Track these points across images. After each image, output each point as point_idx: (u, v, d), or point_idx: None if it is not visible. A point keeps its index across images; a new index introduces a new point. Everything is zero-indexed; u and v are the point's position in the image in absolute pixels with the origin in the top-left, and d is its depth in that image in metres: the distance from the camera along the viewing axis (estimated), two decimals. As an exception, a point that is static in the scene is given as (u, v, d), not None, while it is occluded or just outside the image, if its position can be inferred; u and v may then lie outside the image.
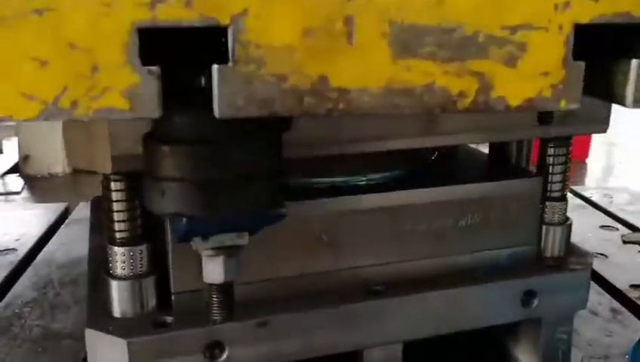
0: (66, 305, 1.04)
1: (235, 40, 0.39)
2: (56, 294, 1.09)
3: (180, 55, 0.41)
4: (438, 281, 0.75)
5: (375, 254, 0.74)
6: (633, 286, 1.14)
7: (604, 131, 0.79)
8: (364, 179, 0.76)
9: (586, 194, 1.70)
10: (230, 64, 0.39)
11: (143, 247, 0.66)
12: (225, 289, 0.58)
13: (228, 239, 0.56)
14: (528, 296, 0.77)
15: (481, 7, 0.41)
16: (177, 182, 0.50)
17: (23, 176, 2.91)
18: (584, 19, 0.42)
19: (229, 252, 0.56)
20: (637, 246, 1.34)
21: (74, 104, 0.38)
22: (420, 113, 0.42)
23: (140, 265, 0.66)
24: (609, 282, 1.15)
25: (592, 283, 0.93)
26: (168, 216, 0.53)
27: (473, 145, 0.95)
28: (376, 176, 0.77)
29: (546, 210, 0.81)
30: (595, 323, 1.00)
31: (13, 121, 0.38)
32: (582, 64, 0.44)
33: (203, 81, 0.44)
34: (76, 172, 5.71)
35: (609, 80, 0.46)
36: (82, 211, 1.51)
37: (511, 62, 0.42)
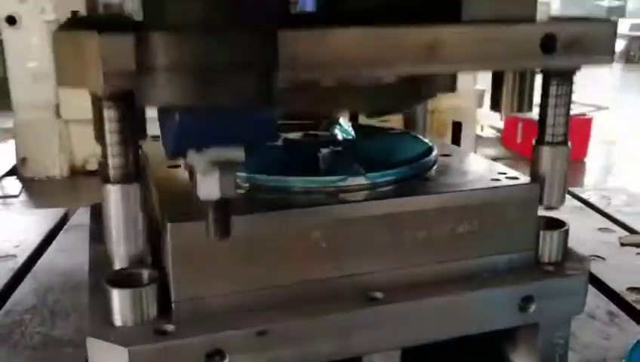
0: (67, 312, 1.05)
1: None
2: (57, 301, 1.09)
3: None
4: (437, 288, 0.75)
5: (374, 261, 0.74)
6: (630, 288, 1.15)
7: (610, 62, 0.75)
8: (366, 183, 0.77)
9: (584, 195, 1.70)
10: None
11: (136, 187, 0.63)
12: (221, 207, 0.58)
13: (223, 153, 0.55)
14: (526, 301, 0.78)
15: None
16: (170, 72, 0.49)
17: (21, 178, 2.91)
18: None
19: (224, 167, 0.55)
20: (634, 248, 1.35)
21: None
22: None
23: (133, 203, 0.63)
24: (606, 285, 1.15)
25: (589, 286, 0.94)
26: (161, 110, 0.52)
27: (471, 152, 0.95)
28: (377, 179, 0.78)
29: (547, 155, 0.79)
30: (593, 327, 1.01)
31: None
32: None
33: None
34: (74, 174, 5.65)
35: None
36: (81, 217, 1.52)
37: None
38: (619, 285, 1.16)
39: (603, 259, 1.28)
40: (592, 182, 5.76)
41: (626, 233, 1.43)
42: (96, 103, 0.65)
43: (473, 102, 6.01)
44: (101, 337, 0.65)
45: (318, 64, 0.61)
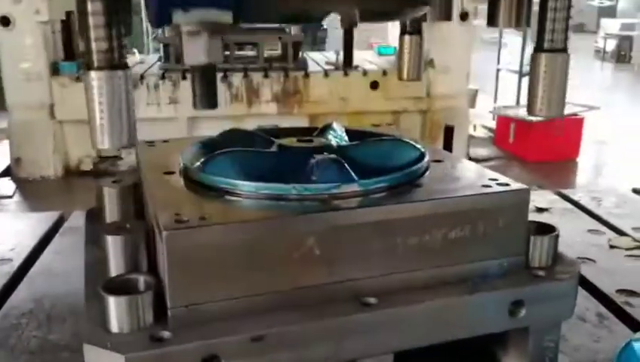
0: (63, 317, 1.06)
1: None
2: (53, 305, 1.10)
3: None
4: (429, 293, 0.77)
5: (367, 267, 0.75)
6: (620, 291, 1.16)
7: None
8: (360, 190, 0.78)
9: (575, 197, 1.72)
10: None
11: (124, 74, 0.60)
12: (207, 73, 0.56)
13: (209, 14, 0.53)
14: (516, 306, 0.79)
15: None
16: None
17: (15, 179, 2.91)
18: None
19: (211, 29, 0.54)
20: (624, 250, 1.37)
21: None
22: None
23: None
24: (596, 287, 1.17)
25: (579, 288, 0.95)
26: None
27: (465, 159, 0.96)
28: (370, 186, 0.79)
29: (545, 62, 0.76)
30: (583, 329, 1.02)
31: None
32: None
33: None
34: (68, 174, 5.68)
35: None
36: (77, 219, 1.52)
37: None
38: (608, 287, 1.17)
39: (593, 261, 1.30)
40: (584, 180, 5.80)
41: (616, 235, 1.45)
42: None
43: (466, 102, 6.05)
44: (98, 344, 0.66)
45: None
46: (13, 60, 5.40)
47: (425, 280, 0.78)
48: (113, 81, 0.61)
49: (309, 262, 0.72)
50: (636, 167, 5.84)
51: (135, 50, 7.38)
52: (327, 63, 6.06)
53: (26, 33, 5.36)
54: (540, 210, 1.62)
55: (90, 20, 0.58)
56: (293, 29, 5.94)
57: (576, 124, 6.03)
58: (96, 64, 0.60)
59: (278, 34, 6.02)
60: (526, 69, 7.30)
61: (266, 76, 5.66)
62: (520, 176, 5.64)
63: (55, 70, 5.56)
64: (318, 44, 10.61)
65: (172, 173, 0.87)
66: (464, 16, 5.51)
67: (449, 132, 4.26)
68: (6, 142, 5.46)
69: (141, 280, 0.71)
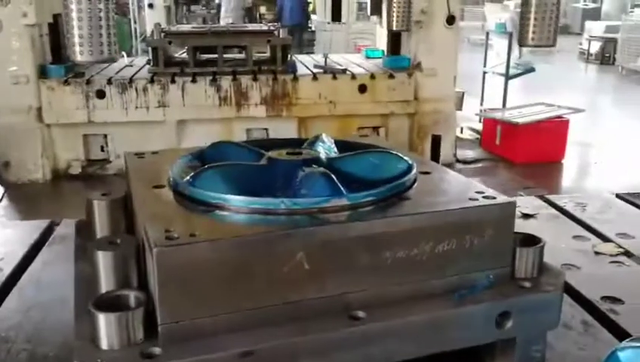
0: (53, 328, 1.05)
1: None
2: (43, 317, 1.10)
3: None
4: (417, 306, 0.78)
5: (355, 280, 0.76)
6: (604, 297, 1.18)
7: None
8: (349, 204, 0.79)
9: (560, 203, 1.74)
10: None
11: None
12: None
13: None
14: (503, 317, 0.81)
15: None
16: None
17: (3, 183, 2.89)
18: None
19: None
20: (608, 256, 1.38)
21: None
22: None
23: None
24: (581, 294, 1.19)
25: (565, 295, 0.96)
26: None
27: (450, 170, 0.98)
28: (359, 200, 0.80)
29: None
30: (568, 337, 1.03)
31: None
32: None
33: None
34: (57, 178, 5.64)
35: None
36: (66, 228, 1.52)
37: None
38: (593, 294, 1.19)
39: (578, 267, 1.31)
40: (569, 182, 5.84)
41: (600, 241, 1.47)
42: None
43: (453, 105, 6.08)
44: (88, 361, 0.66)
45: None
46: (0, 63, 5.36)
47: (413, 293, 0.79)
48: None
49: (299, 276, 0.73)
50: (619, 168, 5.91)
51: (124, 53, 7.35)
52: (316, 66, 6.07)
53: (13, 36, 5.33)
54: (525, 216, 1.64)
55: None
56: (282, 32, 5.94)
57: (561, 127, 6.09)
58: None
59: (267, 37, 6.03)
60: (512, 71, 7.35)
61: (254, 79, 5.66)
62: (507, 178, 5.68)
63: (43, 73, 5.53)
64: (304, 46, 10.61)
65: (161, 186, 0.88)
66: (451, 20, 5.54)
67: (436, 141, 4.29)
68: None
69: (131, 296, 0.71)
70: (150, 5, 11.25)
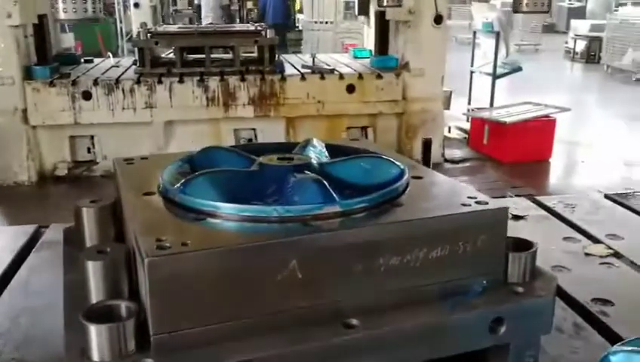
0: (42, 336, 1.04)
1: None
2: (32, 324, 1.08)
3: None
4: (410, 312, 0.77)
5: (349, 288, 0.76)
6: (595, 299, 1.18)
7: None
8: (341, 211, 0.79)
9: (550, 204, 1.75)
10: None
11: None
12: None
13: None
14: (496, 323, 0.80)
15: None
16: None
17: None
18: None
19: None
20: (598, 258, 1.39)
21: None
22: None
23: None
24: (572, 296, 1.19)
25: (556, 298, 0.96)
26: None
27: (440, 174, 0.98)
28: (352, 207, 0.79)
29: None
30: (560, 340, 1.04)
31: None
32: None
33: None
34: (43, 180, 5.59)
35: None
36: (53, 233, 1.50)
37: None
38: (584, 296, 1.19)
39: (568, 269, 1.32)
40: (557, 181, 5.88)
41: (590, 242, 1.48)
42: None
43: (441, 104, 6.10)
44: (79, 373, 0.65)
45: None
46: (-15, 65, 5.30)
47: (406, 300, 0.78)
48: None
49: (292, 285, 0.72)
50: (606, 167, 5.96)
51: (109, 54, 7.29)
52: (304, 66, 6.06)
53: (-2, 37, 5.27)
54: (515, 217, 1.64)
55: None
56: (269, 32, 5.93)
57: (548, 126, 6.12)
58: None
59: (254, 37, 6.01)
60: (500, 71, 7.39)
61: (242, 79, 5.64)
62: (494, 177, 5.70)
63: (28, 74, 5.48)
64: (288, 46, 10.56)
65: (152, 193, 0.87)
66: (438, 19, 5.56)
67: (427, 145, 4.29)
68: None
69: (123, 306, 0.70)
70: (136, 5, 11.17)
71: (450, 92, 6.63)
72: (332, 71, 5.87)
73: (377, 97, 5.76)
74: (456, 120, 7.07)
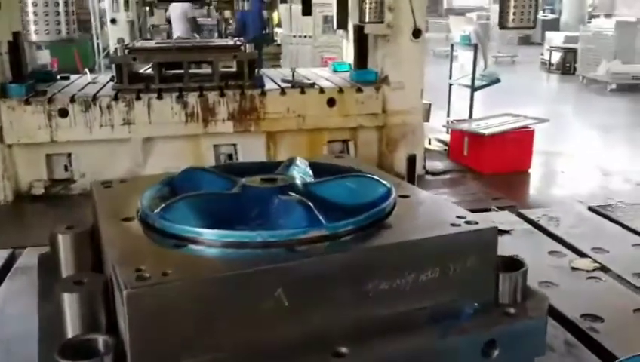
0: (17, 368, 1.00)
1: None
2: (6, 357, 1.04)
3: None
4: (401, 338, 0.75)
5: (337, 314, 0.73)
6: (584, 315, 1.17)
7: None
8: (328, 234, 0.76)
9: (534, 217, 1.74)
10: None
11: None
12: None
13: None
14: (489, 346, 0.78)
15: None
16: None
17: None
18: None
19: None
20: (585, 272, 1.38)
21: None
22: None
23: None
24: (561, 313, 1.18)
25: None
26: None
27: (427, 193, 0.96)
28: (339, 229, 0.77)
29: None
30: (552, 359, 1.02)
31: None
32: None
33: None
34: (19, 199, 5.48)
35: None
36: (29, 258, 1.45)
37: None
38: (573, 312, 1.18)
39: (556, 285, 1.31)
40: (537, 192, 5.93)
41: (576, 256, 1.47)
42: None
43: (421, 117, 6.12)
44: (55, 414, 0.62)
45: None
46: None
47: (397, 325, 0.76)
48: None
49: (279, 313, 0.70)
50: (584, 177, 6.02)
51: (86, 70, 7.22)
52: (284, 81, 6.05)
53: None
54: (501, 232, 1.63)
55: None
56: (248, 47, 5.91)
57: (527, 137, 6.17)
58: None
59: (233, 52, 5.98)
60: (478, 83, 7.45)
61: (221, 95, 5.60)
62: (476, 189, 5.72)
63: (3, 92, 5.38)
64: (264, 60, 10.52)
65: (131, 219, 0.84)
66: (417, 33, 5.59)
67: (412, 161, 4.27)
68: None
69: (100, 341, 0.67)
70: (113, 21, 11.09)
71: (430, 104, 6.65)
72: (312, 85, 5.87)
73: (358, 111, 5.76)
74: (436, 132, 7.11)
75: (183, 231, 0.76)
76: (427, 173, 6.04)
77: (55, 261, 0.90)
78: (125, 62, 5.62)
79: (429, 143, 6.88)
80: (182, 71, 5.70)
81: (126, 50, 5.75)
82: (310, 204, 0.81)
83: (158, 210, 0.82)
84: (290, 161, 1.02)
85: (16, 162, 5.53)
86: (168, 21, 11.81)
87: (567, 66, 13.44)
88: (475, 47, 7.47)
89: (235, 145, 5.73)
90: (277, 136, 5.75)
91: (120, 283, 0.65)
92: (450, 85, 7.95)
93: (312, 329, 0.72)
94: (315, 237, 0.75)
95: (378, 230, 0.80)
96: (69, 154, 5.58)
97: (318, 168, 1.03)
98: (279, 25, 12.85)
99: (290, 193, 0.85)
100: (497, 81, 7.64)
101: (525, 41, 17.05)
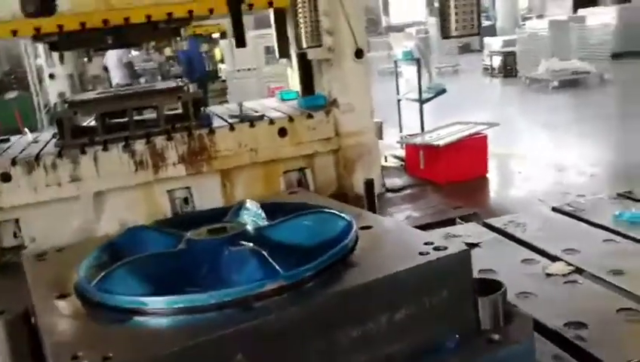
0: None
1: None
2: None
3: None
4: (382, 387, 0.68)
5: (309, 372, 0.66)
6: (567, 324, 1.12)
7: None
8: (287, 284, 0.69)
9: (500, 225, 1.70)
10: None
11: None
12: None
13: None
14: (477, 380, 0.72)
15: None
16: None
17: None
18: None
19: None
20: (560, 276, 1.34)
21: None
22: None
23: None
24: (544, 325, 1.12)
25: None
26: None
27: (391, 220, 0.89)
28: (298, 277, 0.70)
29: None
30: (543, 376, 0.96)
31: None
32: None
33: None
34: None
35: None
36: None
37: None
38: (556, 321, 1.13)
39: (535, 295, 1.26)
40: (497, 196, 5.98)
41: (549, 261, 1.43)
42: None
43: (374, 136, 6.12)
44: None
45: None
46: None
47: (375, 372, 0.69)
48: None
49: (242, 382, 0.62)
50: (540, 175, 6.09)
51: (26, 130, 7.00)
52: (232, 116, 5.97)
53: None
54: (470, 245, 1.58)
55: None
56: (192, 87, 5.82)
57: (480, 142, 6.22)
58: None
59: (177, 93, 5.88)
60: (425, 95, 7.52)
61: (169, 138, 5.47)
62: (436, 201, 5.73)
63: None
64: (210, 98, 10.44)
65: (67, 295, 0.75)
66: (359, 53, 5.60)
67: (369, 186, 4.19)
68: None
69: None
70: (51, 76, 10.85)
71: (381, 122, 6.66)
72: (261, 117, 5.80)
73: (310, 137, 5.71)
74: (391, 149, 7.12)
75: (125, 303, 0.67)
76: (387, 190, 6.02)
77: (-12, 351, 0.80)
78: (66, 116, 5.45)
79: (386, 161, 6.88)
80: (126, 119, 5.57)
81: (66, 105, 5.58)
82: (264, 252, 0.73)
83: (95, 281, 0.73)
84: (240, 205, 0.95)
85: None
86: (105, 69, 11.64)
87: (508, 69, 13.73)
88: (418, 61, 7.54)
89: (189, 188, 5.59)
90: (231, 174, 5.64)
91: (54, 374, 0.56)
92: (399, 101, 8.00)
93: (283, 394, 0.64)
94: (272, 290, 0.68)
95: (342, 270, 0.73)
96: (17, 220, 5.35)
97: (270, 209, 0.96)
98: (222, 61, 12.81)
99: (242, 242, 0.78)
100: (444, 91, 7.73)
101: (465, 49, 17.40)
